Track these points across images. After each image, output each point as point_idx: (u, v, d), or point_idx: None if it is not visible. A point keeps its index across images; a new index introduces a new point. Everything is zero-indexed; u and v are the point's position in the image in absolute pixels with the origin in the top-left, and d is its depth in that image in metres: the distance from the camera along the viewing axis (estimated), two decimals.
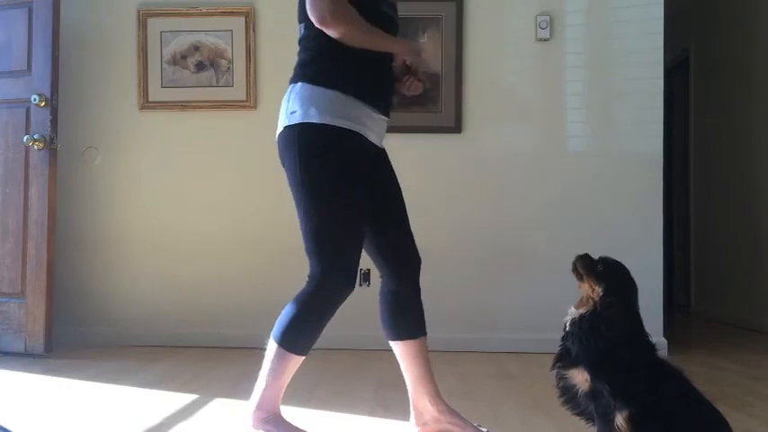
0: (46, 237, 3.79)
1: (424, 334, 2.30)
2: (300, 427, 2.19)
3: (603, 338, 1.87)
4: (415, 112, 4.18)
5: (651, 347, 1.90)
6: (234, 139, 4.16)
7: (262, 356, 2.16)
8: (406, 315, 2.28)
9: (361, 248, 2.21)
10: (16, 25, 3.91)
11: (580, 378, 1.89)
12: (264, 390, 2.14)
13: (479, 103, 4.18)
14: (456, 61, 4.15)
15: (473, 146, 4.17)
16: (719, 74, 5.79)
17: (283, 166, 2.17)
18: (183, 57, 4.24)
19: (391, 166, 2.33)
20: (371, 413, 2.67)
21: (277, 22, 4.17)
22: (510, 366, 3.65)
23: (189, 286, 4.19)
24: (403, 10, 4.11)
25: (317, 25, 2.03)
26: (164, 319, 4.18)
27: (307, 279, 2.14)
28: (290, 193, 2.15)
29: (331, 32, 2.04)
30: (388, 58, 2.20)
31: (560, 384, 1.96)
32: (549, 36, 4.14)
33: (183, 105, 4.20)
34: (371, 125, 2.17)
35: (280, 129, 2.17)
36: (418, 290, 2.31)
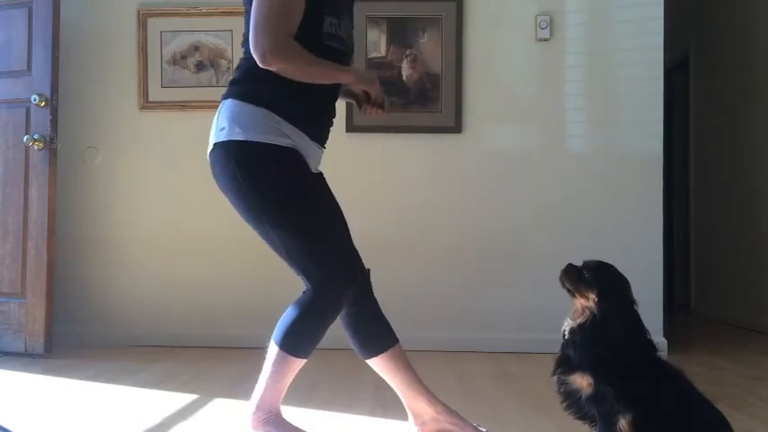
0: (46, 237, 3.79)
1: (397, 340, 2.26)
2: (300, 427, 2.19)
3: (605, 344, 1.86)
4: (415, 112, 4.18)
5: (652, 347, 1.90)
6: None
7: (262, 356, 2.16)
8: (373, 330, 2.24)
9: (349, 239, 2.20)
10: (16, 25, 3.91)
11: (583, 382, 1.88)
12: (265, 391, 2.14)
13: (479, 103, 4.18)
14: (456, 61, 4.15)
15: (473, 146, 4.17)
16: (719, 74, 5.79)
17: (221, 190, 2.13)
18: (183, 57, 4.24)
19: (331, 191, 2.27)
20: (371, 413, 2.66)
21: None
22: (510, 366, 3.65)
23: (189, 286, 4.19)
24: (403, 10, 4.16)
25: (258, 63, 1.98)
26: (164, 319, 4.18)
27: (304, 290, 2.14)
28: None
29: (272, 69, 1.99)
30: (327, 85, 2.14)
31: (562, 390, 1.95)
32: (549, 36, 4.14)
33: (183, 105, 4.20)
34: (305, 148, 2.12)
35: (210, 146, 2.13)
36: (375, 300, 2.26)
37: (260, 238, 2.14)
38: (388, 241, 4.09)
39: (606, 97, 4.19)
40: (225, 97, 2.14)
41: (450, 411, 2.28)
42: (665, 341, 3.98)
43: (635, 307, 1.93)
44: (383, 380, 2.31)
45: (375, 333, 2.25)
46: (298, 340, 2.11)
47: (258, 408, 2.14)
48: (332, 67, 2.08)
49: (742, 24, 5.46)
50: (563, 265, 2.03)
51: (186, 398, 2.88)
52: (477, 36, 4.18)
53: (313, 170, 2.19)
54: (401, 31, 4.18)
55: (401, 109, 4.17)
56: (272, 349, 2.13)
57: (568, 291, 1.98)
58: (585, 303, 1.93)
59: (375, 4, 4.14)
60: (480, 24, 4.18)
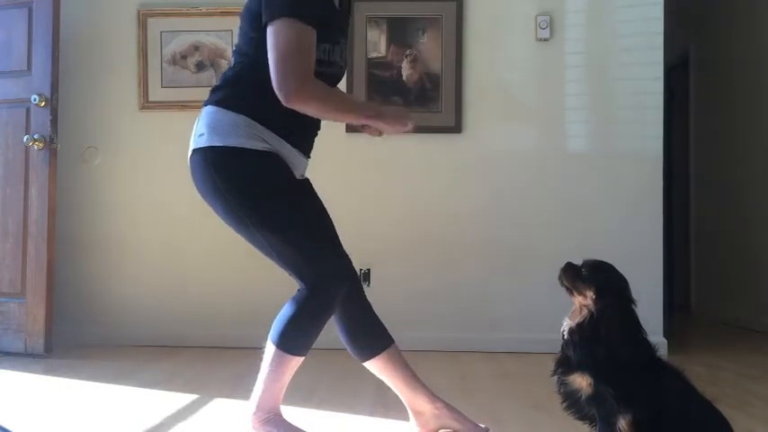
0: (46, 237, 3.80)
1: (392, 341, 2.27)
2: (300, 427, 2.19)
3: (604, 343, 1.86)
4: (415, 112, 4.17)
5: (650, 347, 1.90)
6: None
7: (261, 357, 2.16)
8: (367, 332, 2.24)
9: (336, 239, 2.20)
10: (16, 25, 3.91)
11: (583, 383, 1.89)
12: (264, 391, 2.14)
13: (479, 103, 4.18)
14: (456, 61, 4.15)
15: (473, 146, 4.17)
16: (719, 74, 5.79)
17: (201, 195, 2.14)
18: (183, 57, 4.24)
19: (317, 196, 2.27)
20: (371, 413, 2.66)
21: None
22: (510, 366, 3.65)
23: (189, 286, 4.19)
24: (403, 10, 4.16)
25: (282, 102, 1.98)
26: (164, 319, 4.18)
27: (299, 288, 2.14)
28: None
29: (296, 108, 1.99)
30: None
31: (562, 390, 1.95)
32: (549, 36, 4.14)
33: (183, 105, 4.19)
34: (286, 154, 2.12)
35: (189, 152, 2.14)
36: (368, 303, 2.27)
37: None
38: (387, 241, 4.09)
39: (606, 97, 4.19)
40: (206, 104, 2.15)
41: (450, 407, 2.29)
42: (665, 341, 3.98)
43: (633, 306, 1.93)
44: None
45: (370, 335, 2.25)
46: (294, 338, 2.11)
47: (258, 408, 2.14)
48: (352, 105, 2.12)
49: (742, 24, 5.46)
50: (560, 265, 2.03)
51: (186, 398, 2.88)
52: (477, 36, 4.18)
53: (297, 176, 2.18)
54: (401, 31, 4.18)
55: None
56: (270, 349, 2.13)
57: (567, 289, 1.98)
58: (584, 302, 1.93)
59: (375, 4, 4.14)
60: (480, 24, 4.18)
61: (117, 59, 4.27)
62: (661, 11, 4.10)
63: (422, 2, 4.17)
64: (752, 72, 5.28)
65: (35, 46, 3.85)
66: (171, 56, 4.24)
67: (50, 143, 3.81)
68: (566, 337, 1.95)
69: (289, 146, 2.12)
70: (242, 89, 2.10)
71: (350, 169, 4.11)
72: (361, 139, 4.13)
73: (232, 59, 2.20)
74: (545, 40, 4.14)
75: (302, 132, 2.17)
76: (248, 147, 2.05)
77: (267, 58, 1.99)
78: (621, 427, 1.82)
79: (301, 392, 2.80)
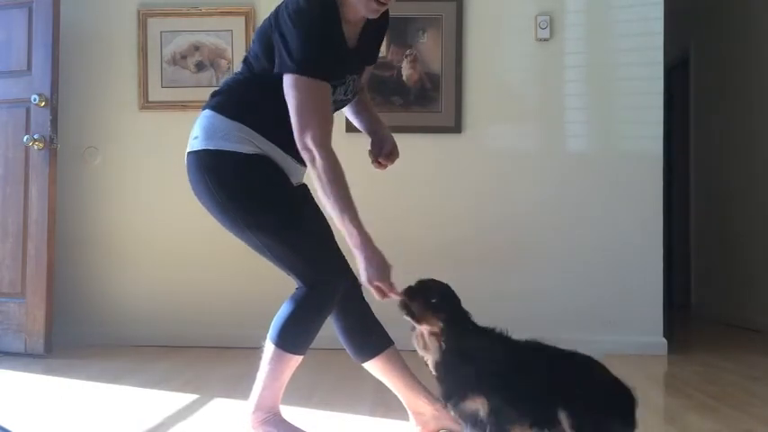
0: (46, 237, 3.79)
1: (391, 342, 2.27)
2: (300, 427, 2.19)
3: (472, 364, 1.82)
4: (415, 112, 4.18)
5: (504, 337, 1.90)
6: None
7: (260, 356, 2.16)
8: (366, 333, 2.25)
9: (333, 240, 2.20)
10: (16, 25, 3.91)
11: (476, 404, 1.83)
12: (263, 391, 2.14)
13: (479, 103, 4.18)
14: (456, 61, 4.15)
15: (473, 146, 4.17)
16: (719, 74, 5.79)
17: (196, 197, 2.16)
18: (183, 57, 4.25)
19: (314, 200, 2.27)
20: (371, 413, 2.66)
21: None
22: None
23: (189, 286, 4.19)
24: (403, 10, 4.15)
25: (297, 142, 1.99)
26: (164, 319, 4.17)
27: (297, 287, 2.14)
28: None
29: (309, 152, 2.00)
30: None
31: (462, 417, 1.87)
32: (549, 36, 4.14)
33: (183, 105, 4.19)
34: (280, 160, 2.14)
35: (186, 155, 2.17)
36: (367, 304, 2.27)
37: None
38: (387, 241, 4.07)
39: (606, 97, 4.18)
40: (204, 107, 2.19)
41: None
42: (665, 341, 3.98)
43: (468, 315, 1.94)
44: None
45: (369, 336, 2.25)
46: (293, 337, 2.11)
47: (257, 407, 2.14)
48: (349, 214, 2.04)
49: (742, 24, 5.46)
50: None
51: (186, 398, 2.88)
52: (477, 36, 4.18)
53: (293, 182, 2.19)
54: (401, 31, 4.18)
55: (401, 109, 4.17)
56: (269, 348, 2.13)
57: (412, 317, 1.89)
58: (432, 330, 1.87)
59: None
60: (480, 24, 4.18)
61: (117, 59, 4.27)
62: (661, 11, 4.10)
63: (422, 2, 4.17)
64: (752, 72, 5.28)
65: (35, 46, 3.85)
66: (171, 56, 4.24)
67: (50, 143, 3.81)
68: (435, 374, 1.88)
69: (282, 152, 2.14)
70: (239, 98, 2.14)
71: (350, 169, 4.09)
72: (361, 139, 4.11)
73: (241, 65, 2.22)
74: (545, 40, 4.14)
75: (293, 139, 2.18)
76: (239, 150, 2.08)
77: (266, 76, 2.05)
78: None
79: (301, 392, 2.80)
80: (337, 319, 2.23)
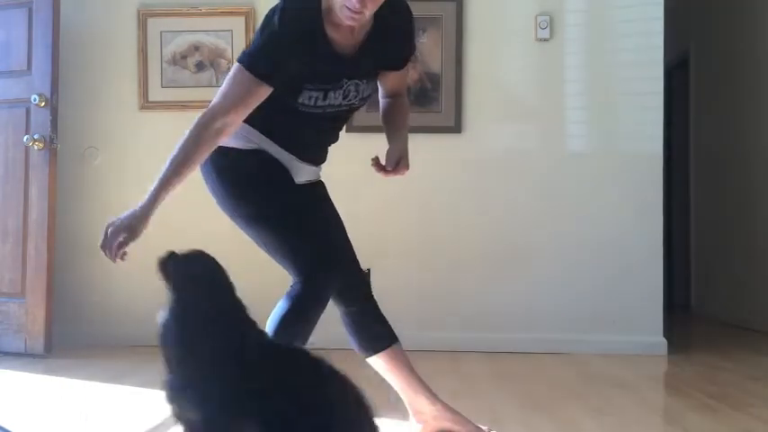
0: (46, 237, 3.79)
1: (396, 340, 2.28)
2: None
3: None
4: (415, 112, 4.14)
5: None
6: None
7: None
8: (372, 329, 2.26)
9: (332, 233, 2.22)
10: (16, 25, 3.91)
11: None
12: None
13: (479, 103, 4.18)
14: (456, 61, 4.15)
15: (473, 146, 4.17)
16: (720, 73, 5.79)
17: (209, 191, 2.24)
18: (183, 57, 4.25)
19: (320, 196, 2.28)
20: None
21: None
22: (510, 366, 3.65)
23: None
24: None
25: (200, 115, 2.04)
26: None
27: (292, 284, 2.15)
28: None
29: (205, 121, 2.03)
30: (313, 129, 2.18)
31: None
32: (549, 36, 4.14)
33: (183, 105, 4.19)
34: (285, 161, 2.15)
35: None
36: (374, 300, 2.28)
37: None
38: (387, 241, 4.09)
39: (606, 97, 4.18)
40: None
41: (451, 409, 2.29)
42: (665, 341, 3.98)
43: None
44: (384, 378, 2.31)
45: (374, 332, 2.26)
46: (290, 333, 2.11)
47: None
48: (162, 179, 2.14)
49: (742, 24, 5.46)
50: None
51: None
52: (477, 36, 4.18)
53: (297, 180, 2.19)
54: None
55: None
56: None
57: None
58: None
59: None
60: (480, 24, 4.18)
61: (117, 59, 4.27)
62: (661, 11, 4.10)
63: (422, 2, 4.17)
64: (752, 72, 5.28)
65: (35, 46, 3.85)
66: (171, 56, 4.24)
67: (50, 143, 3.81)
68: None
69: (286, 153, 2.15)
70: None
71: (349, 169, 4.11)
72: (361, 139, 4.12)
73: None
74: (545, 40, 4.14)
75: (302, 145, 2.19)
76: (238, 147, 2.13)
77: None
78: None
79: None
80: (344, 312, 2.25)
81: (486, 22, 4.19)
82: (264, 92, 2.00)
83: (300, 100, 2.05)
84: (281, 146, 2.14)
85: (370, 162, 2.27)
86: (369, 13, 1.95)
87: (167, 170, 2.08)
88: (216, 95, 2.04)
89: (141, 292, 4.23)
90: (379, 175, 2.29)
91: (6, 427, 2.38)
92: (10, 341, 3.82)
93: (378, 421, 1.63)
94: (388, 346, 2.26)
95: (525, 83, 4.22)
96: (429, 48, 4.17)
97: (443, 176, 4.17)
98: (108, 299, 4.22)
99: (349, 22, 1.98)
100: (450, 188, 4.17)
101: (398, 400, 2.34)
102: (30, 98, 3.81)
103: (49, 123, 3.80)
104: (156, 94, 4.24)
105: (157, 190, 2.09)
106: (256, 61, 1.98)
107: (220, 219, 2.26)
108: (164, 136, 4.21)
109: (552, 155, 4.17)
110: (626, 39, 4.16)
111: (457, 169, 4.17)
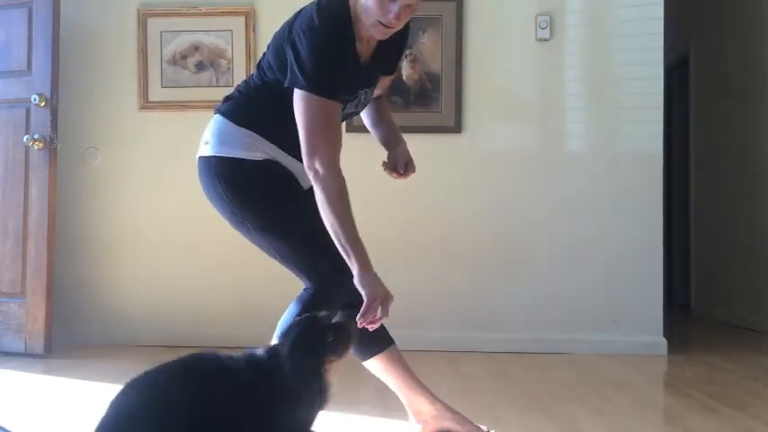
0: (46, 237, 3.80)
1: (393, 342, 2.28)
2: None
3: None
4: (415, 112, 4.18)
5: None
6: None
7: None
8: (368, 333, 2.21)
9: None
10: (16, 25, 3.91)
11: None
12: None
13: (479, 103, 4.18)
14: (456, 61, 4.15)
15: (473, 146, 4.18)
16: (719, 74, 5.79)
17: (207, 198, 2.19)
18: (183, 57, 4.25)
19: None
20: (372, 413, 2.66)
21: (277, 22, 4.10)
22: (510, 366, 3.65)
23: (189, 286, 4.19)
24: None
25: (306, 163, 1.98)
26: (164, 319, 4.17)
27: (305, 287, 2.15)
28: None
29: (316, 172, 1.99)
30: None
31: None
32: (549, 36, 4.14)
33: (183, 105, 4.20)
34: (288, 163, 2.15)
35: (197, 156, 2.19)
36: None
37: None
38: (387, 241, 4.09)
39: (606, 97, 4.19)
40: (216, 110, 2.21)
41: (450, 409, 2.29)
42: (665, 341, 3.98)
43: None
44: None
45: (371, 335, 2.25)
46: None
47: None
48: (351, 236, 2.00)
49: (742, 24, 5.46)
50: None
51: None
52: (477, 36, 4.18)
53: (305, 185, 2.20)
54: None
55: (401, 109, 4.17)
56: None
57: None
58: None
59: None
60: (480, 24, 4.19)
61: (117, 59, 4.27)
62: (661, 11, 4.10)
63: (422, 2, 4.17)
64: (751, 72, 5.27)
65: (35, 46, 3.85)
66: (171, 56, 4.24)
67: (50, 143, 3.81)
68: None
69: (289, 156, 2.15)
70: (250, 105, 2.16)
71: (349, 169, 4.10)
72: (361, 139, 4.12)
73: (255, 71, 2.23)
74: (545, 40, 4.14)
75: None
76: (249, 158, 2.11)
77: (278, 86, 2.04)
78: None
79: None
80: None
81: (486, 23, 4.19)
82: (338, 108, 2.00)
83: None
84: (289, 152, 2.14)
85: (382, 167, 2.28)
86: (400, 26, 1.99)
87: (346, 232, 1.99)
88: (303, 135, 1.98)
89: (141, 293, 4.23)
90: (379, 175, 2.29)
91: (6, 427, 2.38)
92: (10, 341, 3.83)
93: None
94: (386, 349, 2.26)
95: (525, 83, 4.22)
96: (429, 48, 4.17)
97: (443, 176, 4.17)
98: (108, 299, 4.22)
99: (380, 37, 2.00)
100: (450, 188, 4.17)
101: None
102: (30, 98, 3.81)
103: (49, 123, 3.80)
104: (156, 94, 4.24)
105: (354, 247, 2.00)
106: (322, 85, 1.96)
107: (219, 219, 2.25)
108: (164, 136, 4.24)
109: (552, 155, 4.17)
110: (626, 39, 4.16)
111: (457, 169, 4.17)
